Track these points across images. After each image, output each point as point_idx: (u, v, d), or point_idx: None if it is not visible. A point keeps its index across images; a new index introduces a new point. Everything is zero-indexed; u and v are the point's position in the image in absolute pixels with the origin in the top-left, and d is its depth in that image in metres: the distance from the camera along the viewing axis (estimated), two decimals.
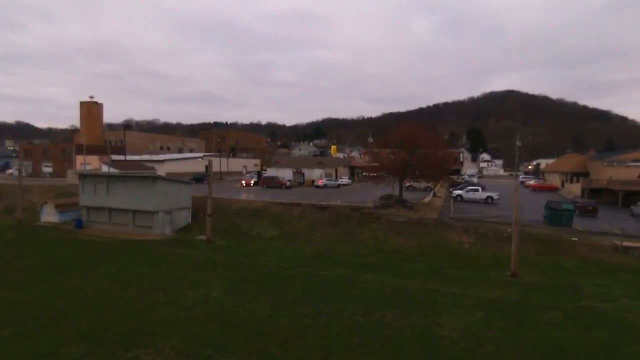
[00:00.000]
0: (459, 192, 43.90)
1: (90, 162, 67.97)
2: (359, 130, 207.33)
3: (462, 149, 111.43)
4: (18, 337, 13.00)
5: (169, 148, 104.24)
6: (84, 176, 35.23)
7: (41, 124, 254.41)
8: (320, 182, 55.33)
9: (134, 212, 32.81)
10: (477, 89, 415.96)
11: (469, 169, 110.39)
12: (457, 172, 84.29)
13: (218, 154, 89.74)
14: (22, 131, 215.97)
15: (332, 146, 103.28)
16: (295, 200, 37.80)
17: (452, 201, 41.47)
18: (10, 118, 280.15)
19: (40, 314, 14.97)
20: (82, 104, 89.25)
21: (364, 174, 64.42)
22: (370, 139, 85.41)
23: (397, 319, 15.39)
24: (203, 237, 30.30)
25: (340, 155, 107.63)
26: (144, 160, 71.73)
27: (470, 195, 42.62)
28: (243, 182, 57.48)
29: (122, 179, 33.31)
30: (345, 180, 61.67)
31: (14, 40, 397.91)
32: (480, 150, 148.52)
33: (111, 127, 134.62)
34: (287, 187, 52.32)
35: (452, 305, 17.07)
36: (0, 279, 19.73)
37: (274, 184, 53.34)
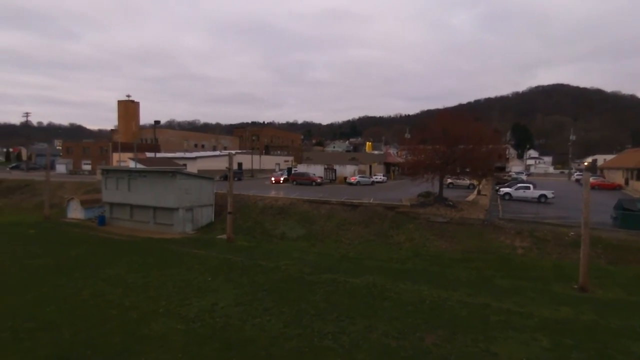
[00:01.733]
0: (507, 190, 39.42)
1: (126, 160, 68.67)
2: (396, 127, 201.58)
3: (507, 146, 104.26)
4: None
5: (203, 146, 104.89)
6: (106, 171, 34.33)
7: (92, 125, 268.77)
8: (353, 179, 52.27)
9: (155, 208, 31.38)
10: (521, 84, 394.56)
11: (515, 166, 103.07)
12: (503, 169, 78.44)
13: (251, 151, 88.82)
14: (75, 133, 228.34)
15: (367, 143, 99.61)
16: (324, 197, 35.06)
17: (499, 200, 37.15)
18: (65, 121, 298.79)
19: (21, 324, 13.11)
20: (120, 103, 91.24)
21: (400, 170, 60.71)
22: (408, 135, 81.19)
23: (439, 344, 12.26)
24: (224, 236, 28.24)
25: (376, 152, 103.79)
26: (177, 157, 71.67)
27: (520, 193, 38.07)
28: (272, 179, 55.53)
29: (143, 174, 31.97)
30: (380, 177, 58.22)
31: (69, 49, 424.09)
32: (527, 146, 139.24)
33: (156, 126, 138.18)
34: (318, 184, 49.75)
35: (509, 327, 13.67)
36: (0, 279, 18.37)
37: (304, 180, 50.94)
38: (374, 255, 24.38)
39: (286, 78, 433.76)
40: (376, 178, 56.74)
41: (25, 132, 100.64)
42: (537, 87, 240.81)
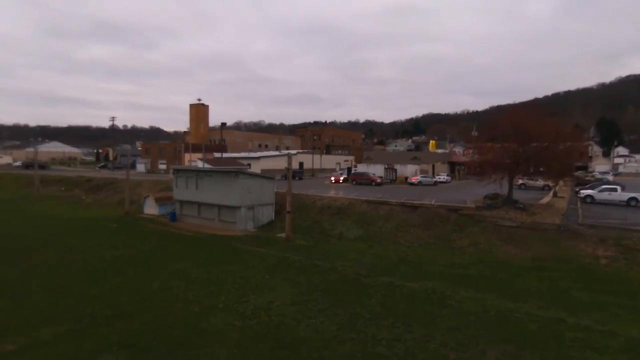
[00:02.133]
0: (588, 192, 35.58)
1: (196, 160, 73.15)
2: (462, 125, 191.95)
3: (591, 143, 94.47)
4: (69, 336, 12.34)
5: (266, 146, 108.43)
6: (177, 171, 36.81)
7: (169, 127, 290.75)
8: (414, 179, 50.63)
9: (219, 206, 32.96)
10: (609, 74, 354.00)
11: (599, 165, 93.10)
12: (584, 168, 71.11)
13: (312, 151, 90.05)
14: (154, 134, 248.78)
15: (431, 141, 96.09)
16: (383, 197, 34.34)
17: (578, 203, 33.69)
18: (145, 123, 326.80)
19: (100, 311, 14.41)
20: (192, 106, 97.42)
21: (465, 170, 57.61)
22: (475, 132, 76.86)
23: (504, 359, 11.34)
24: (283, 235, 28.81)
25: (439, 151, 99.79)
26: (242, 157, 74.83)
27: (605, 196, 34.11)
28: (332, 178, 55.70)
29: (209, 174, 33.74)
30: (443, 177, 55.76)
31: (150, 57, 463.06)
32: (615, 143, 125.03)
33: (224, 128, 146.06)
34: (377, 184, 48.93)
35: (587, 347, 12.28)
36: (86, 270, 20.39)
37: (363, 180, 50.39)
38: (434, 260, 23.33)
39: (349, 77, 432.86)
40: (439, 178, 54.43)
41: (112, 135, 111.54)
42: (628, 77, 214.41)
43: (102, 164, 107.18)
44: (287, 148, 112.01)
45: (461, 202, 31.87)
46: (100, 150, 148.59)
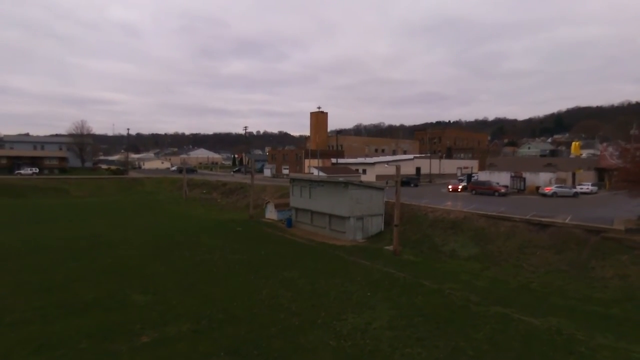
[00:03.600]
0: None
1: (311, 167, 77.07)
2: (620, 120, 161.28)
3: None
4: (188, 336, 14.17)
5: (383, 150, 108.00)
6: (292, 180, 39.35)
7: (295, 132, 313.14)
8: (548, 190, 44.24)
9: (330, 216, 34.07)
10: None
11: None
12: None
13: (429, 155, 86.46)
14: (282, 139, 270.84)
15: (573, 143, 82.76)
16: (506, 212, 30.98)
17: None
18: (275, 129, 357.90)
19: (215, 314, 16.21)
20: (312, 114, 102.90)
21: (617, 178, 48.00)
22: (635, 130, 63.83)
23: None
24: (391, 247, 28.29)
25: (584, 154, 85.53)
26: (357, 162, 76.03)
27: None
28: (449, 187, 52.42)
29: (321, 184, 35.16)
30: (587, 186, 47.45)
31: (280, 68, 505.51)
32: None
33: (343, 132, 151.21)
34: (501, 195, 44.23)
35: None
36: (210, 271, 23.17)
37: (485, 190, 46.11)
38: (564, 291, 20.06)
39: (477, 72, 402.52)
40: (581, 188, 46.48)
41: (245, 141, 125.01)
42: None
43: (237, 168, 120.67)
44: (405, 152, 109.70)
45: (606, 221, 26.72)
46: (235, 155, 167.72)
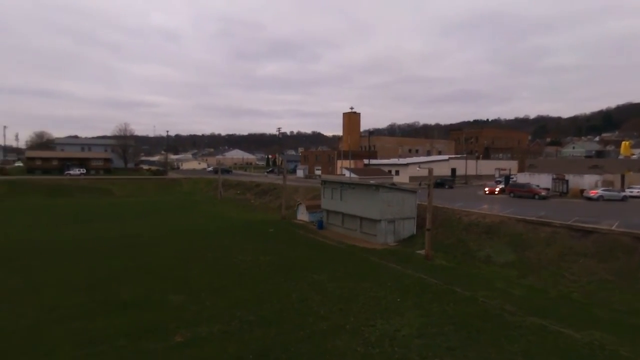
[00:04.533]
0: None
1: (343, 169, 76.88)
2: None
3: None
4: (218, 337, 14.56)
5: (417, 151, 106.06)
6: (324, 182, 39.48)
7: (328, 132, 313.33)
8: (593, 193, 41.81)
9: (361, 218, 33.90)
10: None
11: None
12: None
13: (465, 155, 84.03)
14: (315, 139, 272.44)
15: (623, 142, 77.69)
16: (547, 216, 29.61)
17: None
18: (308, 129, 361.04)
19: (246, 316, 16.55)
20: (344, 115, 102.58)
21: None
22: None
23: None
24: (423, 252, 27.78)
25: (635, 155, 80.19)
26: (390, 164, 75.12)
27: None
28: (486, 189, 50.70)
29: (352, 186, 35.05)
30: (637, 190, 44.45)
31: (313, 68, 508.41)
32: None
33: (376, 132, 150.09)
34: (542, 198, 42.30)
35: None
36: (242, 272, 23.68)
37: (524, 192, 44.23)
38: (609, 302, 18.93)
39: (516, 68, 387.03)
40: (630, 192, 43.58)
41: (279, 142, 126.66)
42: None
43: (270, 168, 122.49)
44: (440, 153, 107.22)
45: None
46: (269, 156, 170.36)
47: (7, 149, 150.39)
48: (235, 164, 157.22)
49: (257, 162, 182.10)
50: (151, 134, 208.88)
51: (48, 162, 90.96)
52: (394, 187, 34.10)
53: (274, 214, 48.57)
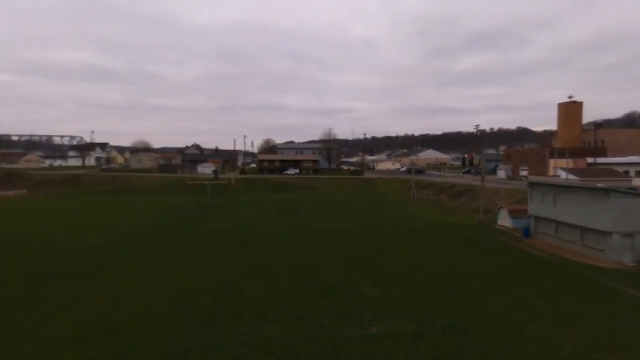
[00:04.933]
0: None
1: (558, 168, 65.09)
2: None
3: None
4: (410, 336, 14.60)
5: None
6: (532, 184, 34.29)
7: (537, 127, 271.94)
8: None
9: (582, 229, 27.96)
10: None
11: None
12: None
13: None
14: (520, 136, 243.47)
15: None
16: None
17: None
18: (512, 125, 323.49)
19: (438, 320, 16.04)
20: (560, 105, 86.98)
21: None
22: None
23: None
24: None
25: None
26: (626, 163, 59.56)
27: None
28: None
29: (569, 189, 29.26)
30: None
31: (519, 56, 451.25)
32: None
33: (605, 124, 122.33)
34: None
35: None
36: (432, 275, 23.08)
37: None
38: None
39: None
40: None
41: (477, 140, 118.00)
42: None
43: (466, 169, 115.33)
44: None
45: None
46: (465, 156, 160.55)
47: (246, 154, 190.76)
48: (429, 164, 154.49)
49: (452, 162, 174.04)
50: (349, 137, 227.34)
51: (272, 164, 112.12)
52: (634, 192, 26.73)
53: (470, 218, 45.51)
